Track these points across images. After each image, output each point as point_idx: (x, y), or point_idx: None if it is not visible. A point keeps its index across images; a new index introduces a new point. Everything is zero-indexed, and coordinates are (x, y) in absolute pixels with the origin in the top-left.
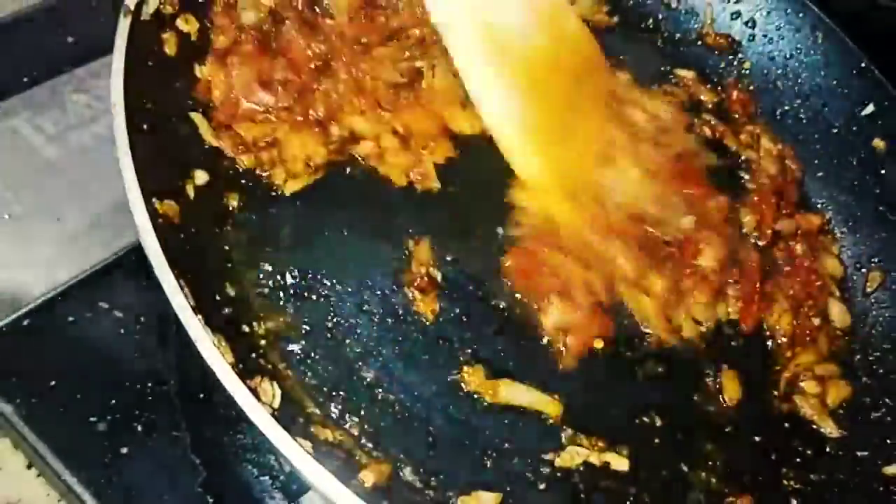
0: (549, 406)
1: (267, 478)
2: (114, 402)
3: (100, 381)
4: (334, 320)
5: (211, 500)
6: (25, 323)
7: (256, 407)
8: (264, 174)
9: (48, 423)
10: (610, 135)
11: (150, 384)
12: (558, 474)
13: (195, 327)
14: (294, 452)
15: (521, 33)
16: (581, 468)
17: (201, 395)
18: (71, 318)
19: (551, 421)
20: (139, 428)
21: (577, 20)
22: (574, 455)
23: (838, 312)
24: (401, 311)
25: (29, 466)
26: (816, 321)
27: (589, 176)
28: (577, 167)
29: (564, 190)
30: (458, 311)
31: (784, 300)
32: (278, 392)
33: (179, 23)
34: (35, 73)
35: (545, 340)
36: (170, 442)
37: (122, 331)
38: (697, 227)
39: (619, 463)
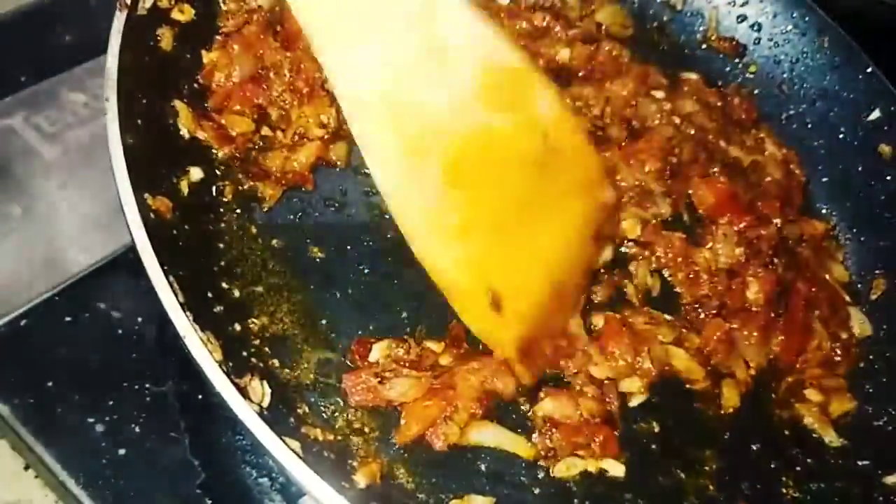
0: (522, 447)
1: (266, 479)
2: (112, 403)
3: (98, 382)
4: (329, 319)
5: (209, 502)
6: (23, 323)
7: (243, 405)
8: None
9: (46, 425)
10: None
11: (148, 385)
12: (553, 479)
13: (183, 324)
14: (281, 452)
15: (454, 108)
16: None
17: (200, 397)
18: (69, 318)
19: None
20: (137, 429)
21: (554, 100)
22: (571, 466)
23: (859, 322)
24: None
25: (27, 468)
26: (844, 335)
27: (530, 284)
28: (511, 271)
29: (485, 296)
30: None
31: (821, 326)
32: (268, 391)
33: (174, 14)
34: (33, 71)
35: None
36: (168, 443)
37: (121, 331)
38: (745, 259)
39: (616, 469)
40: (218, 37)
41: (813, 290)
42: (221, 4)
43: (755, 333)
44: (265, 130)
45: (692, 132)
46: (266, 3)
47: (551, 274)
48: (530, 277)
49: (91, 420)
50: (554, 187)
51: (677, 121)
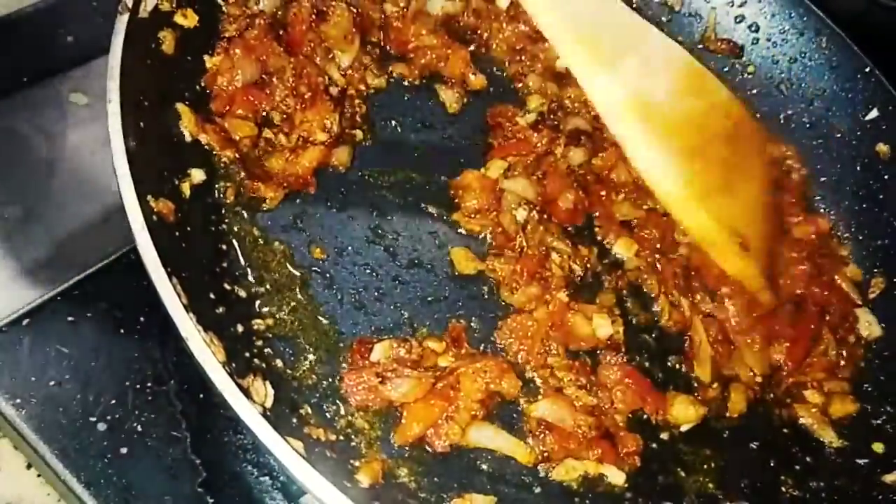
0: (520, 451)
1: (267, 478)
2: (113, 402)
3: (100, 381)
4: (330, 319)
5: (211, 500)
6: (25, 323)
7: (247, 406)
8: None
9: (48, 423)
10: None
11: (149, 384)
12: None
13: (186, 325)
14: (284, 453)
15: (670, 100)
16: None
17: (201, 396)
18: (71, 318)
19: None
20: (139, 428)
21: (722, 88)
22: (570, 470)
23: (866, 324)
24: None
25: (29, 466)
26: (851, 339)
27: (758, 226)
28: (744, 218)
29: (735, 241)
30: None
31: (829, 334)
32: (271, 392)
33: (177, 18)
34: (34, 72)
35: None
36: (169, 442)
37: (122, 331)
38: None
39: (616, 476)
40: (220, 41)
41: (826, 294)
42: (222, 4)
43: (758, 340)
44: (268, 133)
45: None
46: (268, 7)
47: (764, 216)
48: (755, 220)
49: (93, 419)
50: (743, 151)
51: None
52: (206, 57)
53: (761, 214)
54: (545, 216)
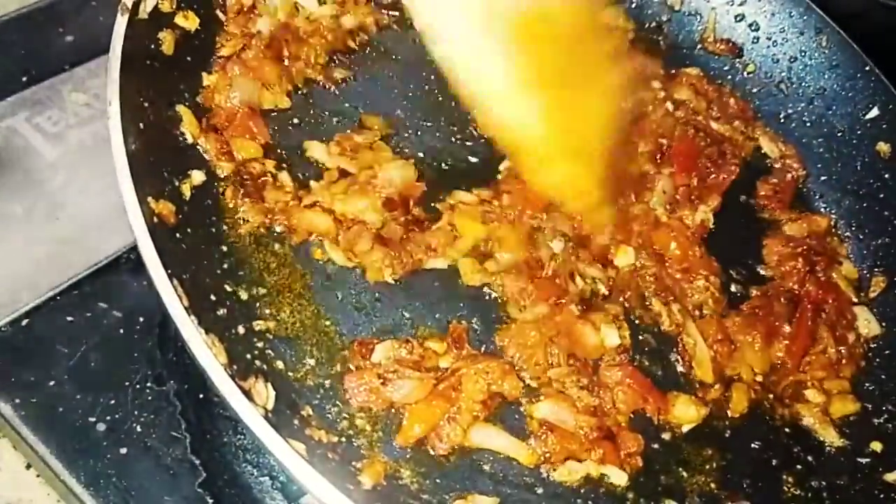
0: (522, 452)
1: (267, 478)
2: (113, 402)
3: (99, 382)
4: (331, 320)
5: (210, 501)
6: (25, 323)
7: (249, 408)
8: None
9: (48, 424)
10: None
11: (149, 384)
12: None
13: (188, 327)
14: (286, 455)
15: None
16: None
17: (201, 396)
18: (70, 318)
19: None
20: (139, 428)
21: None
22: (572, 471)
23: (865, 322)
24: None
25: (28, 467)
26: (851, 337)
27: (593, 134)
28: (579, 121)
29: (564, 145)
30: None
31: (828, 332)
32: (272, 393)
33: (178, 20)
34: (34, 71)
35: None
36: (169, 442)
37: (122, 331)
38: None
39: (618, 477)
40: (217, 59)
41: (821, 293)
42: (221, 16)
43: (758, 339)
44: (270, 164)
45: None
46: (265, 29)
47: (606, 124)
48: (590, 124)
49: (92, 419)
50: (582, 49)
51: (670, 107)
52: (203, 74)
53: (599, 121)
54: (577, 250)
